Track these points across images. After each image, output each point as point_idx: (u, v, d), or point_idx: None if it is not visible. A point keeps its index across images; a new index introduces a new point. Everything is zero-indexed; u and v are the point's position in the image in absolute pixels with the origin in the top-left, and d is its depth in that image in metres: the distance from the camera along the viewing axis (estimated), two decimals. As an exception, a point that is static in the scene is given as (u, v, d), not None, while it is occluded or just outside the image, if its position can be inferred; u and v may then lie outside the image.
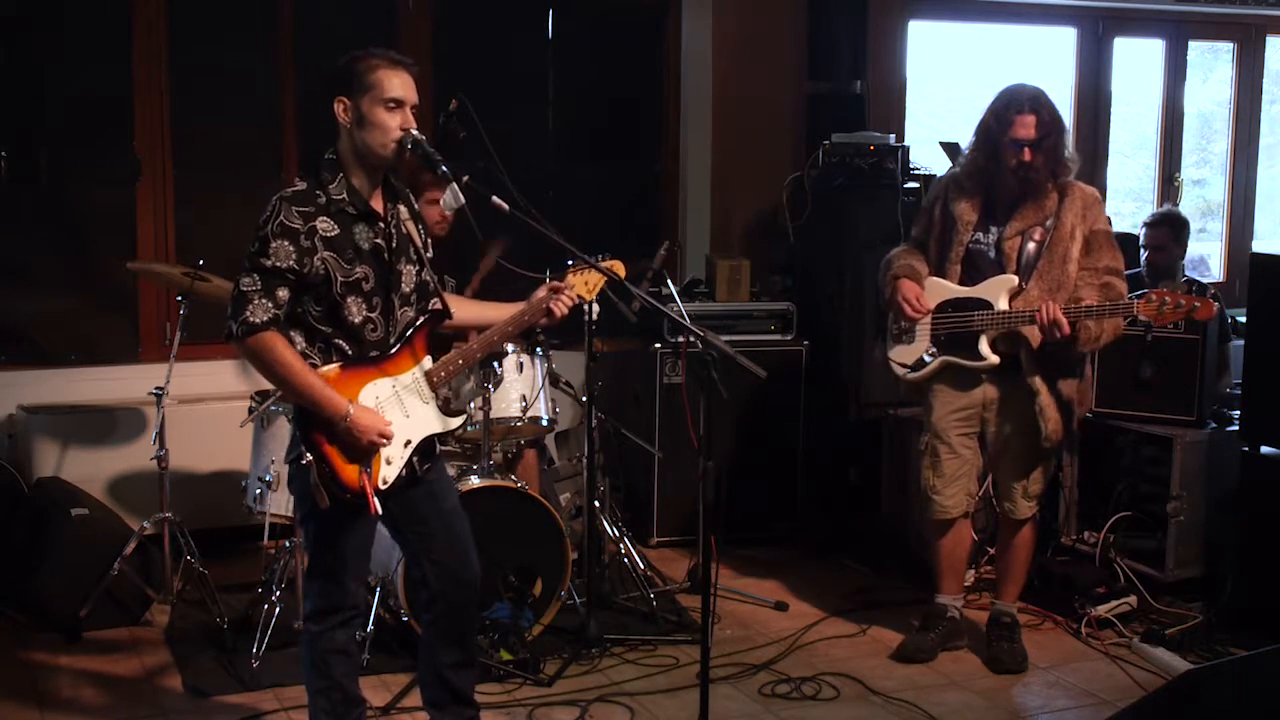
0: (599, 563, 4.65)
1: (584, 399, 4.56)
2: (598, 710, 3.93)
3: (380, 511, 3.13)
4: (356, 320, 3.12)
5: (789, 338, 5.67)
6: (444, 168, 3.13)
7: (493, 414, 4.36)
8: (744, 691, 4.09)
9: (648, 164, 6.32)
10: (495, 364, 4.40)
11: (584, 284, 3.49)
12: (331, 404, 3.04)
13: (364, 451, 3.11)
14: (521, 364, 4.51)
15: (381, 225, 3.16)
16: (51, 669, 4.20)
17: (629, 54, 6.29)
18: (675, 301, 4.67)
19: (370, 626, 4.15)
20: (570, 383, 4.96)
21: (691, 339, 3.32)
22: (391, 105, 3.07)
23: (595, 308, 4.38)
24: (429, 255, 3.33)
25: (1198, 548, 4.83)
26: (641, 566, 4.86)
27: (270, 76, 5.56)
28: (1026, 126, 4.05)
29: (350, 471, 3.09)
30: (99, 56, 5.34)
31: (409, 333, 3.22)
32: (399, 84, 3.09)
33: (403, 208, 3.25)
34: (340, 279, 3.07)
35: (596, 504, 4.58)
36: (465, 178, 3.27)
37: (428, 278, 3.29)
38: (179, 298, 4.48)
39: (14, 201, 5.29)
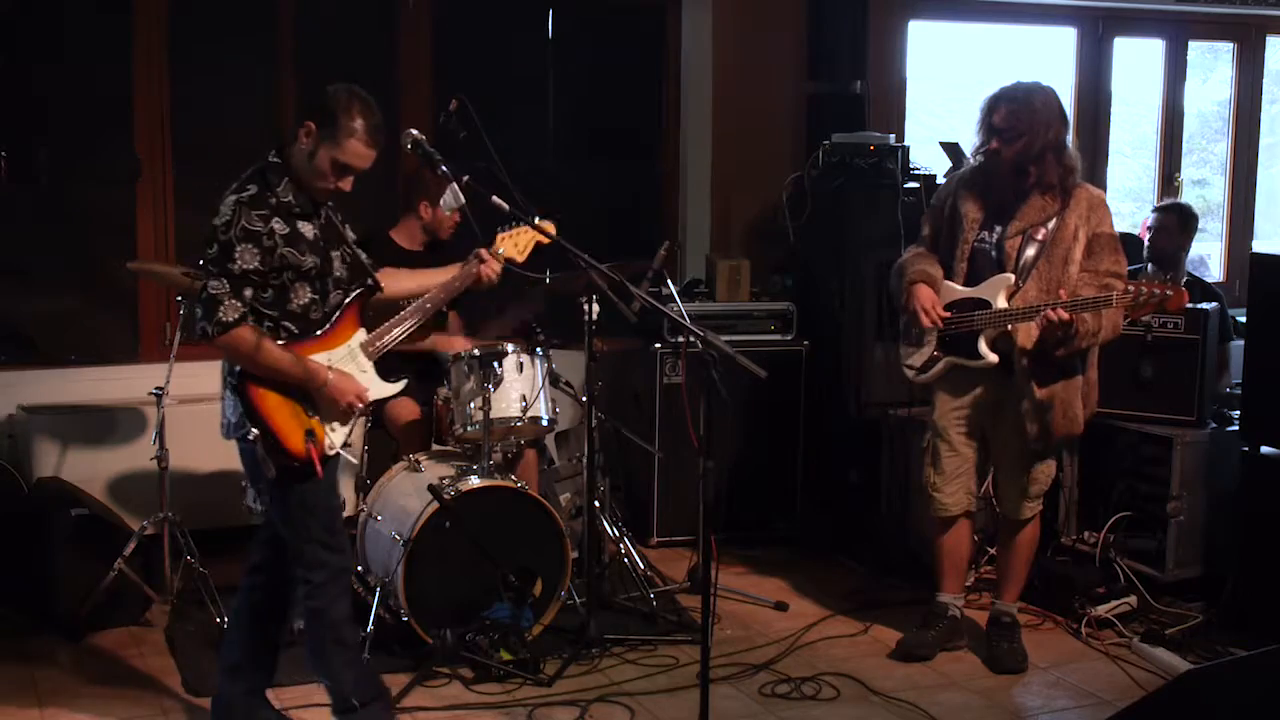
0: (599, 563, 4.65)
1: (584, 399, 4.56)
2: (598, 710, 3.93)
3: (322, 475, 3.27)
4: (303, 302, 3.30)
5: (789, 338, 5.67)
6: (444, 167, 3.15)
7: (493, 414, 4.35)
8: (744, 691, 4.09)
9: (647, 164, 6.31)
10: (495, 364, 4.39)
11: (514, 245, 3.67)
12: (312, 373, 3.28)
13: (343, 413, 3.34)
14: (521, 364, 4.49)
15: (318, 219, 3.34)
16: (51, 669, 4.20)
17: (629, 54, 6.28)
18: (675, 301, 4.65)
19: (370, 626, 4.15)
20: (570, 383, 4.95)
21: (691, 339, 3.32)
22: (342, 168, 3.25)
23: (596, 308, 4.39)
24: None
25: (1198, 548, 4.83)
26: (641, 566, 4.85)
27: (270, 76, 5.56)
28: (999, 115, 4.12)
29: (296, 440, 3.24)
30: (99, 56, 5.34)
31: (340, 309, 3.39)
32: (359, 158, 3.26)
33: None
34: (294, 268, 3.25)
35: (596, 504, 4.58)
36: (465, 178, 3.28)
37: (359, 257, 3.47)
38: (179, 298, 4.48)
39: (14, 201, 5.28)
